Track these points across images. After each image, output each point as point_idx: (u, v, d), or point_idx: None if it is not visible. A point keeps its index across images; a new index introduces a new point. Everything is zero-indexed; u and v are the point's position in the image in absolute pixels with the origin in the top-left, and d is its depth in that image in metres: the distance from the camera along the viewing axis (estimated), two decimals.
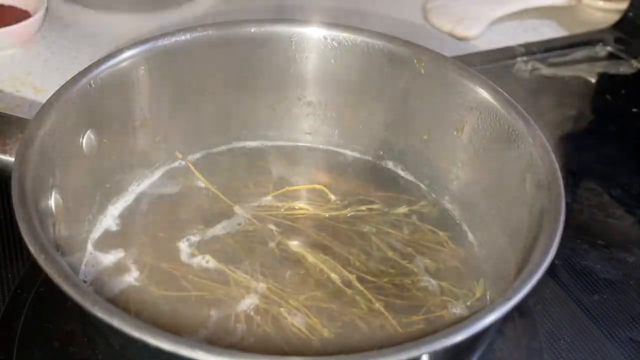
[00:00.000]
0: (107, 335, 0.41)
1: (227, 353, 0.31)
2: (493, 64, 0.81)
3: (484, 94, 0.51)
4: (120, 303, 0.46)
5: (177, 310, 0.46)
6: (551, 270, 0.55)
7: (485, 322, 0.35)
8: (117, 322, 0.33)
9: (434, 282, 0.50)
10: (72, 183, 0.46)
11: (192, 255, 0.50)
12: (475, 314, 0.35)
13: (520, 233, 0.46)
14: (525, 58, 0.83)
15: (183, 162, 0.57)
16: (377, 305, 0.47)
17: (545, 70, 0.82)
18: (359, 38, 0.55)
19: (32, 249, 0.36)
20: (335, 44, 0.55)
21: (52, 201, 0.43)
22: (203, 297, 0.47)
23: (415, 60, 0.54)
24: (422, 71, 0.54)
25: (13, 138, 0.43)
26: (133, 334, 0.32)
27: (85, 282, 0.47)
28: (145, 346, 0.32)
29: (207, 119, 0.57)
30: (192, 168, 0.56)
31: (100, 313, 0.33)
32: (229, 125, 0.59)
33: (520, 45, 0.84)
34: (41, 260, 0.35)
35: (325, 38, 0.55)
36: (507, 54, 0.82)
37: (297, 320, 0.46)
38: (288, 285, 0.48)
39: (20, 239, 0.37)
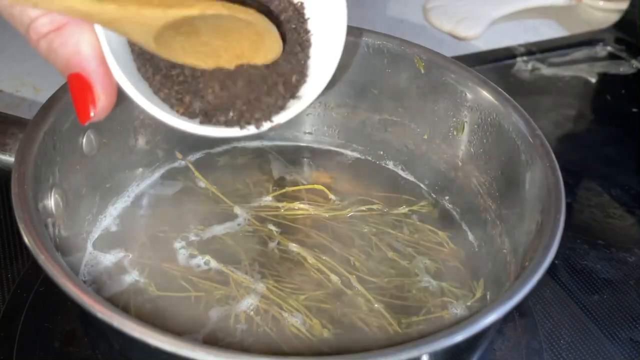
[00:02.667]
0: (107, 335, 0.41)
1: (227, 353, 0.31)
2: (493, 64, 0.81)
3: (484, 94, 0.51)
4: (120, 303, 0.46)
5: (177, 311, 0.46)
6: (551, 270, 0.55)
7: (486, 322, 0.35)
8: (117, 322, 0.33)
9: (434, 282, 0.50)
10: (72, 183, 0.46)
11: (192, 255, 0.50)
12: (475, 314, 0.35)
13: (520, 233, 0.46)
14: (525, 58, 0.83)
15: (183, 162, 0.57)
16: (377, 306, 0.47)
17: (545, 70, 0.82)
18: (359, 38, 0.55)
19: (32, 249, 0.36)
20: None
21: (52, 201, 0.43)
22: (203, 298, 0.47)
23: (415, 60, 0.54)
24: (422, 71, 0.54)
25: (13, 138, 0.43)
26: (133, 334, 0.32)
27: (85, 282, 0.47)
28: (145, 346, 0.32)
29: None
30: (192, 168, 0.56)
31: (100, 313, 0.33)
32: None
33: (520, 45, 0.84)
34: (41, 260, 0.35)
35: None
36: (507, 54, 0.83)
37: (297, 321, 0.46)
38: (288, 285, 0.48)
39: (20, 239, 0.37)
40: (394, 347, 0.33)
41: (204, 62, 0.37)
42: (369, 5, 0.90)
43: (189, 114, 0.38)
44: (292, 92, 0.39)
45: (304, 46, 0.40)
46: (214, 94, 0.38)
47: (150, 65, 0.37)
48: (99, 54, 0.34)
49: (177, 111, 0.38)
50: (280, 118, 0.39)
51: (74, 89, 0.34)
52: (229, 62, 0.38)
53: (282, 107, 0.39)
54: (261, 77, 0.38)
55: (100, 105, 0.35)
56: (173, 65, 0.37)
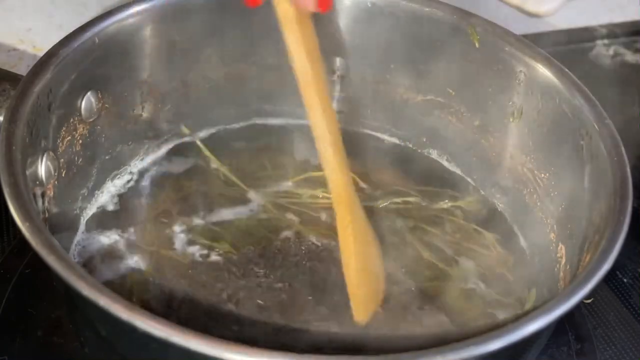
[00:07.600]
0: (96, 324, 0.42)
1: (221, 343, 0.32)
2: (567, 46, 0.80)
3: (546, 73, 0.51)
4: (113, 289, 0.47)
5: (175, 299, 0.47)
6: (618, 289, 0.54)
7: (522, 333, 0.35)
8: (103, 302, 0.33)
9: (476, 288, 0.50)
10: (66, 150, 0.48)
11: (195, 242, 0.51)
12: (512, 322, 0.35)
13: (578, 238, 0.46)
14: (606, 41, 0.82)
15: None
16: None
17: (630, 57, 0.81)
18: (402, 3, 0.55)
19: (16, 215, 0.37)
20: (375, 10, 0.56)
21: (43, 168, 0.44)
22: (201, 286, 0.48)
23: (469, 32, 0.54)
24: (477, 44, 0.54)
25: (4, 95, 0.45)
26: (120, 315, 0.33)
27: None
28: (136, 338, 0.33)
29: (223, 89, 0.58)
30: (201, 145, 0.57)
31: (87, 290, 0.34)
32: (249, 98, 0.60)
33: (602, 26, 0.83)
34: (25, 228, 0.36)
35: (359, 2, 0.56)
36: (584, 36, 0.82)
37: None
38: (305, 283, 0.49)
39: (6, 215, 0.37)
40: (426, 350, 0.33)
41: None
42: None
43: None
44: None
45: None
46: None
47: None
48: None
49: None
50: None
51: None
52: None
53: None
54: None
55: None
56: None
